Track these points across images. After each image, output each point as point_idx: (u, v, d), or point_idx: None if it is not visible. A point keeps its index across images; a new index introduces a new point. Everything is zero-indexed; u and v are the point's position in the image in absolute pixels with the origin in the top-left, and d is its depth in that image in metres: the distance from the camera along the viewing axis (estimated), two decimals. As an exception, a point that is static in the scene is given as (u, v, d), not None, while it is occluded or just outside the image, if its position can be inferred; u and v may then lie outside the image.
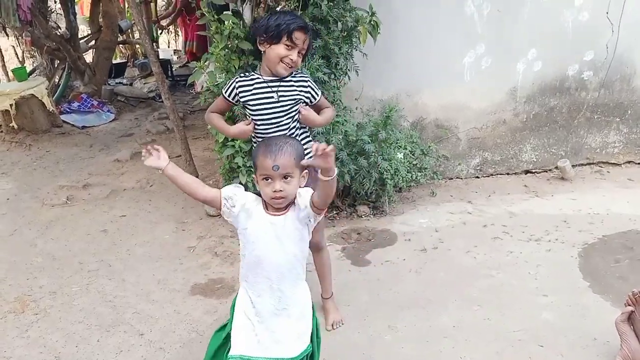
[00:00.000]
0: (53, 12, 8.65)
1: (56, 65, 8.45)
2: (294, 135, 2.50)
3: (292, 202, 1.82)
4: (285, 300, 1.84)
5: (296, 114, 2.48)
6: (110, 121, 7.52)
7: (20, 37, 8.37)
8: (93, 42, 9.02)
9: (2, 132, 6.80)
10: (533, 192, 4.34)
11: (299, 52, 2.37)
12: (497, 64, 4.36)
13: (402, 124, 4.40)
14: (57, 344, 2.70)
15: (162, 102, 6.22)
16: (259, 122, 2.49)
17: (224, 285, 3.19)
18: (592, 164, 4.77)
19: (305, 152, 2.57)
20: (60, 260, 3.62)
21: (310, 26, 2.51)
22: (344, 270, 3.27)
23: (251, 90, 2.46)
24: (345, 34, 3.47)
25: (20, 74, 6.97)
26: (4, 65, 9.74)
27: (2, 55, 9.59)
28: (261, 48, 2.41)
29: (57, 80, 8.32)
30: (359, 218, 3.96)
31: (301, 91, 2.45)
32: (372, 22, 3.63)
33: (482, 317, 2.73)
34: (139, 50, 10.88)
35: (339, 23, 3.39)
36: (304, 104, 2.49)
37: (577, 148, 4.70)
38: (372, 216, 3.99)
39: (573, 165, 4.58)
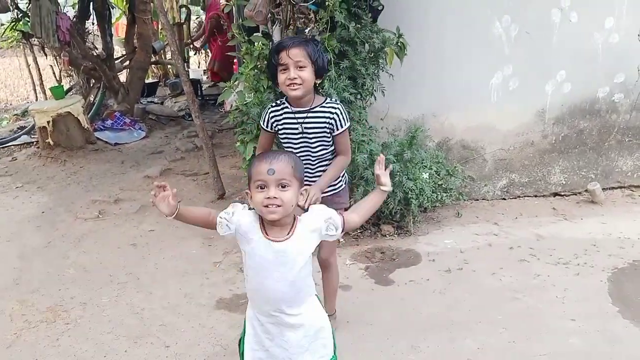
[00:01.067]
0: (90, 33, 8.96)
1: (92, 85, 8.74)
2: (317, 168, 2.52)
3: (293, 225, 1.73)
4: (293, 320, 1.77)
5: (325, 146, 2.46)
6: (142, 138, 7.71)
7: (58, 57, 8.68)
8: (127, 62, 9.30)
9: (39, 148, 7.04)
10: (562, 215, 4.28)
11: (297, 67, 2.26)
12: (525, 85, 4.35)
13: (427, 144, 4.40)
14: (87, 353, 2.77)
15: (192, 120, 6.36)
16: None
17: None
18: (623, 187, 4.68)
19: (335, 187, 2.58)
20: (92, 272, 3.72)
21: (303, 38, 2.54)
22: (367, 290, 3.28)
23: (280, 120, 2.46)
24: (372, 55, 3.53)
25: (58, 92, 7.24)
26: (42, 84, 10.13)
27: (41, 74, 9.98)
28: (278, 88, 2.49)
29: (92, 99, 8.60)
30: (382, 237, 3.97)
31: (327, 119, 2.39)
32: (399, 44, 3.69)
33: (507, 340, 2.70)
34: (171, 70, 11.18)
35: (366, 44, 3.45)
36: (328, 133, 2.42)
37: (607, 171, 4.63)
38: (396, 236, 3.99)
39: (603, 189, 4.51)
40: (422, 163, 3.98)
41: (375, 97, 3.76)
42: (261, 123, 2.54)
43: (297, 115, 2.41)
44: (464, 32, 4.21)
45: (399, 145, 3.77)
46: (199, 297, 3.30)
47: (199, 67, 12.98)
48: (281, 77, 2.31)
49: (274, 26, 3.40)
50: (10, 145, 7.57)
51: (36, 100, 10.15)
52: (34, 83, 10.41)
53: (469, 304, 3.05)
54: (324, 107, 2.41)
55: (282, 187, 1.64)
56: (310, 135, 2.42)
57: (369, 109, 3.94)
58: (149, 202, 5.15)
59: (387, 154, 3.63)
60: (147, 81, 10.17)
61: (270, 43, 3.41)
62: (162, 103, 9.80)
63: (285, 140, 2.49)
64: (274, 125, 2.48)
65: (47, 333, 2.97)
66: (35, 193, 5.54)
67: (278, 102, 2.52)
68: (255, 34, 3.45)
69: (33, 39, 8.42)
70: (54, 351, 2.81)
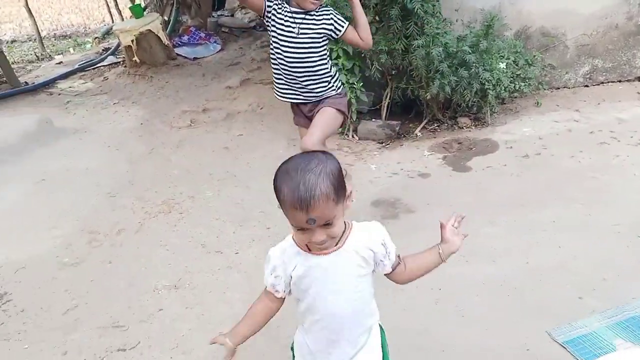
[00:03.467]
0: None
1: (165, 1, 9.00)
2: (316, 72, 2.69)
3: (344, 234, 1.39)
4: (349, 351, 1.46)
5: (320, 51, 2.64)
6: (218, 52, 8.00)
7: (132, -24, 8.94)
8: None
9: (126, 66, 7.52)
10: (646, 99, 4.20)
11: None
12: (610, -36, 4.13)
13: (505, 34, 4.36)
14: (201, 235, 3.23)
15: (263, 30, 6.52)
16: (280, 54, 2.67)
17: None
18: None
19: (328, 87, 2.74)
20: (193, 172, 4.16)
21: None
22: (445, 176, 3.49)
23: (277, 15, 2.63)
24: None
25: (137, 11, 7.56)
26: (117, 5, 10.50)
27: (116, -5, 10.30)
28: None
29: (168, 16, 8.89)
30: (459, 129, 4.10)
31: (326, 25, 2.60)
32: None
33: (582, 214, 2.86)
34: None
35: None
36: (333, 38, 2.65)
37: (699, 51, 4.41)
38: (473, 127, 4.11)
39: (693, 70, 4.32)
40: (499, 53, 3.98)
41: (449, -12, 3.74)
42: None
43: (295, 17, 2.59)
44: None
45: (474, 36, 3.78)
46: (291, 188, 3.65)
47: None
48: None
49: None
50: (100, 66, 8.12)
51: (112, 22, 10.60)
52: (107, 5, 10.81)
53: (545, 184, 3.20)
54: (318, 12, 2.60)
55: (328, 225, 1.30)
56: (306, 39, 2.61)
57: (443, 1, 3.93)
58: (234, 110, 5.58)
59: (462, 45, 3.66)
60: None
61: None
62: (232, 15, 9.93)
63: (280, 39, 2.64)
64: (271, 14, 2.63)
65: (166, 221, 3.45)
66: (131, 107, 6.04)
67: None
68: None
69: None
70: (174, 234, 3.28)
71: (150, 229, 3.38)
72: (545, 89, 4.40)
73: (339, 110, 2.82)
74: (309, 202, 1.24)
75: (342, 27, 2.63)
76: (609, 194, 3.00)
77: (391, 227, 2.71)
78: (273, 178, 1.31)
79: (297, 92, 2.81)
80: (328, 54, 2.79)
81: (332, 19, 2.61)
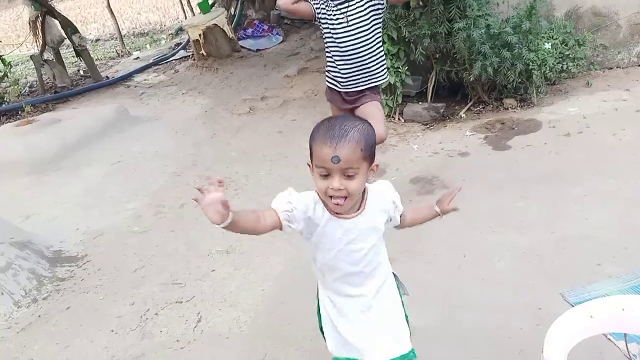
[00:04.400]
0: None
1: (231, -4, 9.47)
2: (375, 54, 2.71)
3: (363, 198, 1.49)
4: (369, 300, 1.55)
5: (375, 32, 2.66)
6: (279, 43, 8.35)
7: (201, -26, 9.47)
8: (260, -30, 9.79)
9: (194, 60, 8.04)
10: (703, 77, 4.07)
11: None
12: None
13: (555, 15, 4.36)
14: (251, 207, 3.54)
15: (323, 19, 6.76)
16: (330, 44, 2.73)
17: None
18: None
19: (381, 76, 2.79)
20: (249, 154, 4.51)
21: None
22: (484, 154, 3.61)
23: (325, 12, 2.68)
24: None
25: (204, 7, 8.04)
26: (189, 2, 11.13)
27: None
28: None
29: (233, 11, 9.36)
30: (505, 110, 4.17)
31: (370, 6, 2.60)
32: None
33: (615, 188, 2.90)
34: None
35: None
36: (378, 10, 2.64)
37: None
38: (519, 108, 4.16)
39: None
40: (545, 34, 4.01)
41: (491, -29, 3.82)
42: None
43: (340, 8, 2.63)
44: None
45: (516, 18, 3.84)
46: (337, 167, 3.90)
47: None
48: None
49: None
50: (171, 60, 8.72)
51: (185, 18, 11.23)
52: (181, 2, 11.47)
53: (583, 161, 3.25)
54: None
55: (349, 176, 1.36)
56: (355, 25, 2.64)
57: (488, -16, 4.01)
58: (290, 97, 5.90)
59: (505, 26, 3.74)
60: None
61: None
62: (295, 7, 10.26)
63: (332, 34, 2.70)
64: (318, 15, 2.71)
65: (223, 196, 3.80)
66: (197, 97, 6.51)
67: None
68: None
69: (178, -40, 9.24)
70: (230, 208, 3.63)
71: (208, 203, 3.74)
72: (597, 69, 4.37)
73: (380, 101, 2.97)
74: (339, 140, 1.33)
75: (383, 7, 2.66)
76: (645, 169, 3.02)
77: (426, 202, 2.93)
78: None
79: (357, 80, 2.82)
80: (382, 39, 2.83)
81: None
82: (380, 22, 2.72)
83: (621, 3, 4.30)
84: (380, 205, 1.54)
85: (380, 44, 2.78)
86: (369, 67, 2.78)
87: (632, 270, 2.27)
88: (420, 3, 3.85)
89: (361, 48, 2.71)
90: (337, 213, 1.46)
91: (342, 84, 2.86)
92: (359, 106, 2.89)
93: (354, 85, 2.84)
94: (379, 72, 2.82)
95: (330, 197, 1.39)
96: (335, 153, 1.33)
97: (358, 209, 1.48)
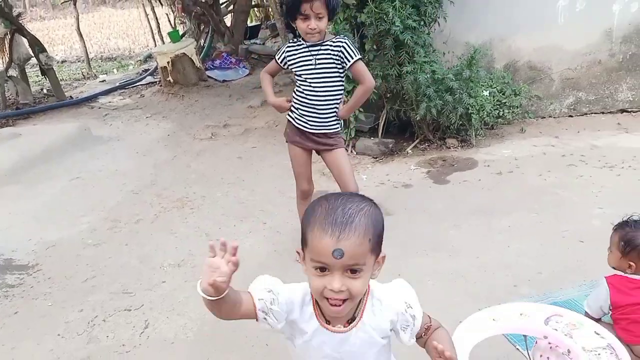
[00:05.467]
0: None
1: (201, 29, 9.78)
2: (330, 104, 2.79)
3: (362, 302, 1.22)
4: None
5: (338, 80, 2.75)
6: (246, 76, 8.66)
7: (172, 5, 9.79)
8: (231, 6, 10.20)
9: (161, 86, 8.23)
10: (624, 129, 4.54)
11: (317, 18, 2.55)
12: (592, 6, 4.55)
13: (495, 66, 4.79)
14: (207, 227, 3.71)
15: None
16: (301, 87, 2.80)
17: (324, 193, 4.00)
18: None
19: (335, 125, 2.84)
20: (208, 176, 4.69)
21: None
22: (425, 187, 3.91)
23: (296, 55, 2.74)
24: (434, -16, 3.99)
25: (174, 36, 8.31)
26: (159, 31, 11.40)
27: (158, 22, 11.21)
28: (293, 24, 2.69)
29: (202, 42, 9.65)
30: (447, 149, 4.52)
31: (337, 53, 2.66)
32: (464, -27, 4.09)
33: (536, 221, 3.23)
34: (272, 12, 11.94)
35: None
36: (340, 67, 2.71)
37: (679, 88, 4.74)
38: (459, 148, 4.52)
39: (672, 105, 4.65)
40: (484, 82, 4.42)
41: (439, 24, 4.22)
42: (276, 57, 2.86)
43: (311, 49, 2.70)
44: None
45: (458, 66, 4.23)
46: (290, 192, 4.09)
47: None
48: (302, 24, 2.60)
49: (348, -36, 3.95)
50: (138, 85, 8.88)
51: (155, 46, 11.46)
52: (152, 31, 11.74)
53: (511, 197, 3.58)
54: (333, 41, 2.68)
55: (352, 272, 1.11)
56: (323, 69, 2.71)
57: (438, 36, 4.42)
58: (251, 126, 6.16)
59: (447, 73, 4.11)
60: (250, 24, 11.07)
61: (345, -21, 3.98)
62: (263, 44, 10.66)
63: (300, 73, 2.77)
64: (288, 61, 2.79)
65: (178, 214, 3.96)
66: (161, 121, 6.68)
67: (294, 40, 2.80)
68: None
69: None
70: (184, 225, 3.78)
71: (164, 220, 3.89)
72: (531, 117, 4.79)
73: (345, 148, 3.08)
74: (343, 228, 1.07)
75: (353, 57, 2.67)
76: (564, 206, 3.36)
77: None
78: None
79: (313, 121, 2.86)
80: (342, 91, 2.86)
81: (343, 47, 2.67)
82: (343, 77, 2.82)
83: (554, 59, 4.78)
84: (384, 314, 1.23)
85: (340, 95, 2.85)
86: (325, 112, 2.84)
87: (544, 292, 2.56)
88: (374, 47, 4.20)
89: (326, 89, 2.78)
90: (327, 322, 1.20)
91: (306, 123, 2.88)
92: (326, 150, 2.95)
93: (315, 127, 2.88)
94: (332, 120, 2.88)
95: (327, 298, 1.12)
96: (337, 246, 1.07)
97: (353, 319, 1.21)
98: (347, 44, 2.68)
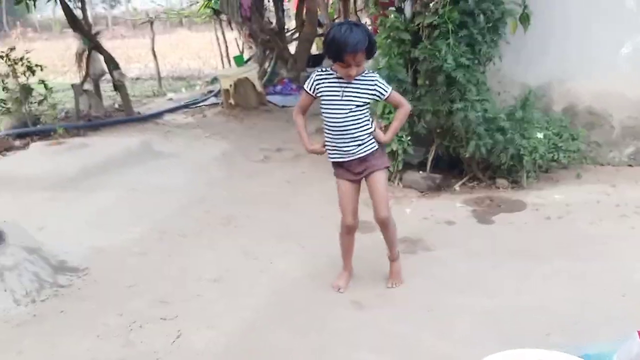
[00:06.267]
0: (267, 9, 10.33)
1: (267, 55, 10.14)
2: (358, 127, 2.82)
3: None
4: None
5: (362, 113, 2.80)
6: (304, 102, 8.85)
7: (241, 31, 10.22)
8: (297, 35, 10.53)
9: (223, 107, 8.57)
10: (687, 183, 4.31)
11: (357, 65, 2.67)
12: (659, 54, 4.40)
13: (553, 109, 4.70)
14: (247, 244, 3.81)
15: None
16: (325, 115, 2.83)
17: (368, 224, 4.00)
18: None
19: (368, 147, 2.89)
20: (255, 197, 4.82)
21: (362, 42, 2.63)
22: (468, 226, 3.85)
23: (325, 83, 2.79)
24: (491, 24, 3.99)
25: (239, 61, 8.67)
26: (227, 55, 11.89)
27: (227, 46, 11.71)
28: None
29: (266, 67, 10.00)
30: (496, 189, 4.44)
31: (368, 92, 2.76)
32: (524, 14, 4.09)
33: (580, 270, 3.11)
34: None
35: (482, 15, 3.92)
36: (369, 99, 2.81)
37: None
38: (509, 189, 4.43)
39: None
40: (540, 124, 4.33)
41: (494, 63, 4.21)
42: (305, 86, 2.87)
43: (340, 81, 2.75)
44: (592, 2, 4.39)
45: (511, 106, 4.18)
46: (332, 219, 4.10)
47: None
48: (341, 69, 2.70)
49: (405, 1, 4.04)
50: (202, 105, 9.27)
51: (223, 68, 11.95)
52: (221, 53, 12.26)
53: (557, 243, 3.47)
54: (365, 77, 2.77)
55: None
56: (349, 104, 2.76)
57: (494, 74, 4.40)
58: (303, 152, 6.22)
59: (499, 112, 4.07)
60: (313, 52, 11.37)
61: (402, 16, 4.07)
62: (325, 72, 10.89)
63: (326, 103, 2.82)
64: (317, 88, 2.82)
65: (222, 231, 4.09)
66: (219, 141, 6.93)
67: (324, 69, 2.85)
68: (389, 8, 4.14)
69: (221, 16, 10.02)
70: (225, 242, 3.89)
71: (207, 235, 4.02)
72: (588, 164, 4.64)
73: (386, 167, 3.07)
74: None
75: (386, 91, 2.81)
76: (611, 258, 3.22)
77: (408, 261, 3.24)
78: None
79: (343, 152, 2.91)
80: (369, 113, 2.92)
81: (375, 84, 2.77)
82: (368, 107, 2.89)
83: (616, 106, 4.64)
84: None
85: (367, 118, 2.89)
86: (356, 136, 2.86)
87: (575, 343, 2.45)
88: (426, 82, 4.23)
89: (352, 122, 2.81)
90: None
91: (340, 155, 2.94)
92: (367, 175, 2.99)
93: (350, 154, 2.91)
94: (365, 142, 2.90)
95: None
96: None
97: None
98: (379, 79, 2.80)
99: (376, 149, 2.96)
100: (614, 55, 4.48)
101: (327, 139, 2.97)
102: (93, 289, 3.36)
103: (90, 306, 3.17)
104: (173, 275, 3.45)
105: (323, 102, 2.84)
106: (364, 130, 2.88)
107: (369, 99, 2.81)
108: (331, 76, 2.78)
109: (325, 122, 2.90)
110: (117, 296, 3.25)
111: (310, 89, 2.86)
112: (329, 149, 2.99)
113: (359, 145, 2.90)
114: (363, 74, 2.78)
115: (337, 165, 3.04)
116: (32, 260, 3.54)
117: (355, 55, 2.63)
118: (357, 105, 2.79)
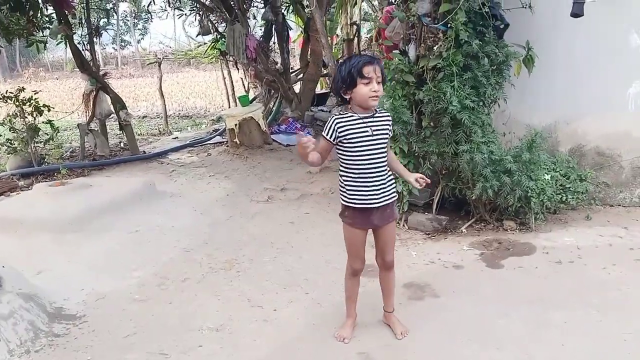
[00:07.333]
0: (272, 50, 10.47)
1: (271, 94, 10.23)
2: (388, 171, 2.78)
3: None
4: None
5: (386, 149, 2.75)
6: (309, 141, 8.85)
7: (246, 71, 10.34)
8: (301, 75, 10.63)
9: (227, 146, 8.58)
10: (701, 225, 4.20)
11: (377, 82, 2.61)
12: (666, 94, 4.36)
13: (559, 150, 4.64)
14: (250, 291, 3.71)
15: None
16: (355, 158, 2.67)
17: (374, 269, 3.90)
18: None
19: (394, 191, 2.84)
20: (259, 239, 4.73)
21: (375, 57, 2.76)
22: (476, 270, 3.74)
23: (348, 126, 2.64)
24: (495, 67, 3.98)
25: (244, 100, 8.73)
26: (234, 94, 12.01)
27: (233, 86, 11.84)
28: (347, 97, 2.65)
29: (271, 107, 10.06)
30: (504, 231, 4.34)
31: (388, 126, 2.75)
32: (528, 57, 4.08)
33: (596, 319, 2.98)
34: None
35: (486, 58, 3.91)
36: (388, 136, 2.77)
37: None
38: (517, 231, 4.33)
39: None
40: (547, 166, 4.27)
41: (499, 105, 4.18)
42: (324, 133, 2.71)
43: (365, 120, 2.66)
44: (597, 43, 4.39)
45: (517, 148, 4.13)
46: (336, 263, 4.07)
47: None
48: (364, 89, 2.59)
49: (409, 44, 4.05)
50: (207, 144, 9.29)
51: (229, 107, 12.06)
52: (227, 93, 12.40)
53: (569, 290, 3.35)
54: (382, 113, 2.76)
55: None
56: (379, 137, 2.69)
57: (499, 116, 4.37)
58: (307, 192, 6.22)
59: (505, 154, 4.02)
60: (318, 92, 11.46)
61: (406, 59, 4.07)
62: (329, 111, 10.95)
63: (353, 146, 2.66)
64: (340, 134, 2.65)
65: (224, 276, 3.99)
66: (222, 181, 6.90)
67: (341, 113, 2.72)
68: (394, 51, 4.14)
69: (228, 56, 10.15)
70: (228, 288, 3.80)
71: (210, 281, 3.93)
72: (598, 205, 4.55)
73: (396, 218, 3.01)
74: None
75: (391, 131, 2.82)
76: (628, 306, 3.09)
77: (415, 308, 3.12)
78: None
79: (379, 193, 2.77)
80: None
81: (389, 118, 2.77)
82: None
83: (624, 146, 4.57)
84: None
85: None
86: (387, 180, 2.79)
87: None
88: (431, 124, 4.20)
89: (382, 158, 2.74)
90: None
91: (372, 198, 2.77)
92: (387, 222, 2.87)
93: (383, 199, 2.79)
94: (393, 187, 2.85)
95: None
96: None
97: None
98: (390, 116, 2.83)
99: (396, 197, 2.89)
100: (622, 95, 4.44)
101: (352, 186, 2.76)
102: (89, 339, 3.25)
103: (85, 357, 3.06)
104: (173, 324, 3.34)
105: (350, 145, 2.66)
106: (389, 171, 2.83)
107: (388, 132, 2.75)
108: (352, 118, 2.66)
109: (352, 168, 2.72)
110: (113, 347, 3.14)
111: (329, 135, 2.68)
112: (356, 196, 2.77)
113: (391, 188, 2.82)
114: (380, 110, 2.77)
115: (355, 214, 2.84)
116: (28, 308, 3.45)
117: (375, 68, 2.59)
118: (385, 141, 2.72)
